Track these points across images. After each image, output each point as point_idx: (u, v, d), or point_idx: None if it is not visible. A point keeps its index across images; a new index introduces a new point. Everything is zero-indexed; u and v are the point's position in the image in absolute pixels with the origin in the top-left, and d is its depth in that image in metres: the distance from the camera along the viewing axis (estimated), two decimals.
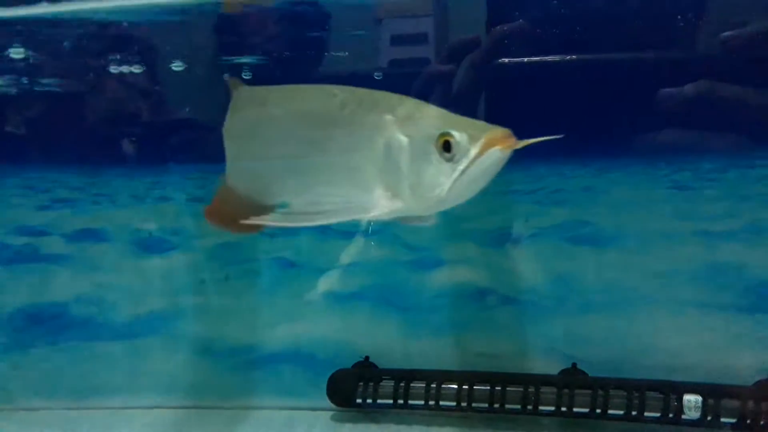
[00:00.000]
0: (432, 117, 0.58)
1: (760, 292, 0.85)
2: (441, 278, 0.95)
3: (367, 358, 0.92)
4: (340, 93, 0.61)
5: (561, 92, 0.85)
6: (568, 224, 0.90)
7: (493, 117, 0.58)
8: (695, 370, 0.85)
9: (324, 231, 0.95)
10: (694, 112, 0.82)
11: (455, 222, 0.93)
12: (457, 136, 0.54)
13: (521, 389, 0.84)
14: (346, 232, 0.96)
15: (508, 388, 0.84)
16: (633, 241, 0.88)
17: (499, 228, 0.93)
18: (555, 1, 0.83)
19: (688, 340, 0.87)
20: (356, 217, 0.60)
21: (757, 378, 0.81)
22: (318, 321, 0.96)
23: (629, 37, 0.83)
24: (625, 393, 0.81)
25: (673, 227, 0.87)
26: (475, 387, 0.85)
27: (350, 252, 0.94)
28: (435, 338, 0.94)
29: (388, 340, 0.94)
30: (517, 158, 0.90)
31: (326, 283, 0.95)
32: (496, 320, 0.93)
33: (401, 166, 0.57)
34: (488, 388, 0.84)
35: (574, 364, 0.87)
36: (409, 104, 0.59)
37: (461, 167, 0.54)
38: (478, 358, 0.93)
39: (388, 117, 0.58)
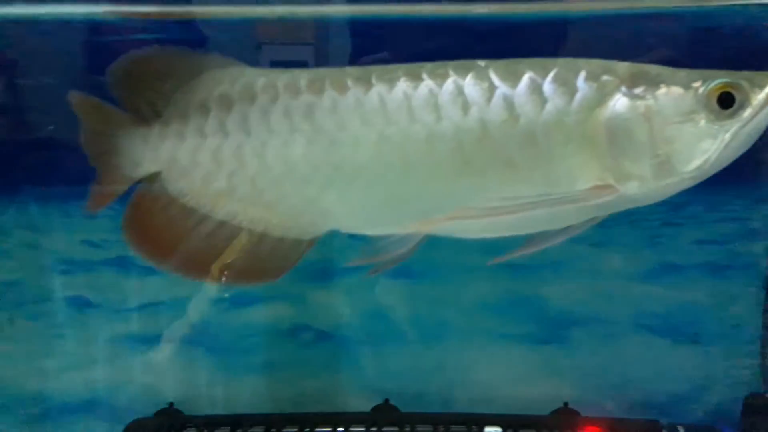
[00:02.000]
0: (672, 72, 0.48)
1: (557, 324, 0.89)
2: (255, 315, 0.91)
3: (171, 404, 0.86)
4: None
5: None
6: None
7: None
8: (499, 402, 0.88)
9: (126, 266, 0.88)
10: None
11: None
12: (744, 84, 0.45)
13: (330, 429, 0.82)
14: (152, 268, 0.90)
15: (317, 429, 0.82)
16: (443, 274, 0.90)
17: (316, 262, 0.91)
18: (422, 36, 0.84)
19: (493, 372, 0.90)
20: (562, 207, 0.50)
21: (554, 407, 0.85)
22: (118, 365, 0.89)
23: None
24: (431, 428, 0.82)
25: (481, 261, 0.90)
26: (284, 430, 0.82)
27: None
28: (247, 380, 0.90)
29: (196, 384, 0.89)
30: None
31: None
32: (311, 358, 0.91)
33: (639, 139, 0.47)
34: (296, 430, 0.82)
35: (386, 400, 0.87)
36: (610, 63, 0.49)
37: (738, 124, 0.45)
38: (292, 398, 0.90)
39: (607, 78, 0.49)
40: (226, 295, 0.89)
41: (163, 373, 0.89)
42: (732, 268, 0.85)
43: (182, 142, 0.56)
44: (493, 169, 0.50)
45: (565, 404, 0.85)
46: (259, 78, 0.55)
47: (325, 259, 0.90)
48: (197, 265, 0.58)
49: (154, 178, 0.58)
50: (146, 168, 0.57)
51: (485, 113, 0.49)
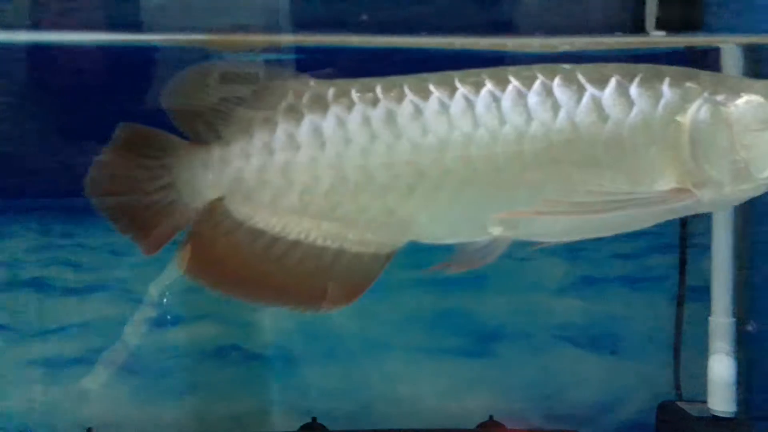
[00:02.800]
0: (750, 83, 0.50)
1: (483, 338, 0.91)
2: (180, 336, 0.89)
3: (89, 430, 0.83)
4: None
5: None
6: None
7: None
8: (427, 416, 0.89)
9: (45, 289, 0.85)
10: None
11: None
12: None
13: None
14: (72, 289, 0.87)
15: None
16: (371, 290, 0.90)
17: None
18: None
19: (421, 386, 0.90)
20: (644, 209, 0.50)
21: (480, 420, 0.86)
22: (33, 389, 0.85)
23: None
24: None
25: (406, 277, 0.90)
26: None
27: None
28: (172, 403, 0.88)
29: (116, 409, 0.86)
30: None
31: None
32: (238, 378, 0.90)
33: (720, 144, 0.48)
34: None
35: (314, 419, 0.86)
36: (691, 70, 0.50)
37: None
38: (219, 420, 0.88)
39: (691, 85, 0.49)
40: (154, 315, 0.87)
41: (82, 398, 0.86)
42: (646, 281, 0.89)
43: (247, 162, 0.52)
44: (580, 170, 0.50)
45: (491, 417, 0.87)
46: (329, 88, 0.52)
47: None
48: (270, 291, 0.54)
49: (215, 204, 0.53)
50: (208, 195, 0.52)
51: (574, 114, 0.50)
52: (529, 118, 0.50)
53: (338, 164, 0.50)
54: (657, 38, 0.83)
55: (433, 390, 0.91)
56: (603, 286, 0.89)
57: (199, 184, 0.51)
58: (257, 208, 0.52)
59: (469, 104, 0.50)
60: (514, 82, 0.51)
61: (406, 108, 0.50)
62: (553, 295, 0.90)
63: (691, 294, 0.87)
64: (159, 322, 0.88)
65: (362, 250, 0.53)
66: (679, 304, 0.87)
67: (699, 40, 0.84)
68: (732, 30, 0.82)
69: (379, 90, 0.50)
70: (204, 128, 0.52)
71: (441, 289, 0.90)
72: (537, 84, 0.50)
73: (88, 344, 0.85)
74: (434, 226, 0.53)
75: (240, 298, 0.55)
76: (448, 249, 0.57)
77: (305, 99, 0.51)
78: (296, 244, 0.52)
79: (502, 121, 0.50)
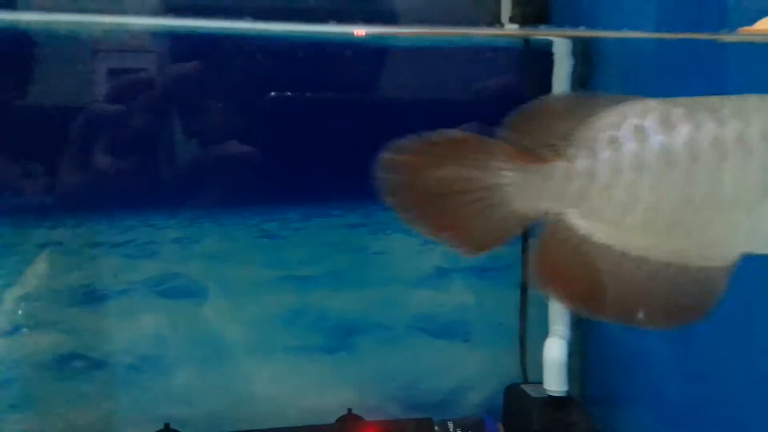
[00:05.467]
0: None
1: (340, 333, 0.91)
2: (16, 346, 0.82)
3: None
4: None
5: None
6: (160, 278, 0.87)
7: None
8: (287, 414, 0.88)
9: None
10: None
11: (29, 281, 0.82)
12: None
13: None
14: None
15: None
16: (225, 291, 0.88)
17: (83, 285, 0.85)
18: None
19: (279, 385, 0.90)
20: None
21: (339, 415, 0.87)
22: None
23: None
24: None
25: (263, 275, 0.89)
26: None
27: None
28: (9, 416, 0.81)
29: None
30: (103, 207, 0.86)
31: None
32: (84, 388, 0.85)
33: None
34: None
35: (166, 425, 0.83)
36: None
37: None
38: None
39: None
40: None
41: None
42: (493, 270, 0.93)
43: (593, 179, 0.51)
44: None
45: (349, 411, 0.87)
46: (675, 108, 0.51)
47: (94, 281, 0.84)
48: (623, 309, 0.52)
49: (558, 217, 0.52)
50: (547, 207, 0.51)
51: None
52: None
53: (686, 182, 0.50)
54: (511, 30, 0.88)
55: (291, 388, 0.90)
56: (454, 276, 0.93)
57: (538, 195, 0.51)
58: (599, 224, 0.52)
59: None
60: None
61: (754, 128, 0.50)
62: (408, 287, 0.92)
63: None
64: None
65: (705, 264, 0.52)
66: (523, 291, 0.92)
67: (553, 33, 0.89)
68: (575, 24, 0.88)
69: (725, 111, 0.50)
70: (544, 150, 0.52)
71: (297, 286, 0.90)
72: None
73: None
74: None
75: (594, 316, 0.53)
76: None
77: (649, 119, 0.50)
78: (642, 260, 0.52)
79: None
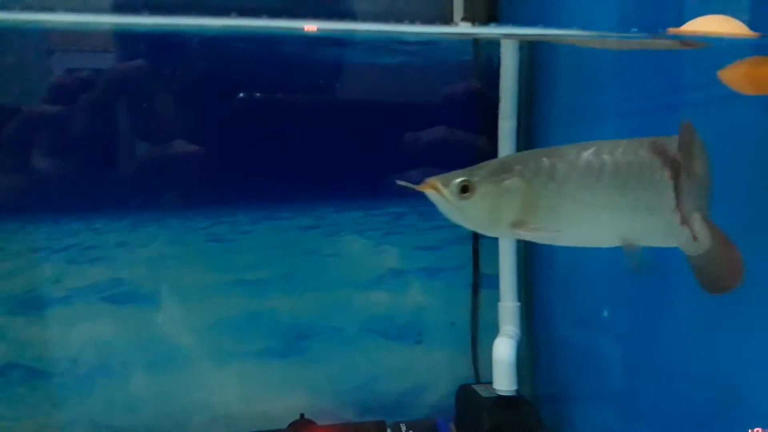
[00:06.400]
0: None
1: (291, 337, 0.90)
2: None
3: None
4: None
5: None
6: (104, 283, 0.84)
7: None
8: (239, 420, 0.87)
9: None
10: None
11: None
12: None
13: None
14: None
15: None
16: (173, 296, 0.86)
17: (24, 292, 0.82)
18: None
19: (232, 391, 0.88)
20: None
21: (292, 419, 0.86)
22: None
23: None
24: None
25: (212, 279, 0.87)
26: None
27: None
28: None
29: None
30: (44, 211, 0.83)
31: None
32: (23, 399, 0.82)
33: None
34: None
35: None
36: None
37: None
38: None
39: None
40: None
41: None
42: (445, 271, 0.93)
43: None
44: None
45: (302, 415, 0.86)
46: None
47: (33, 288, 0.81)
48: None
49: None
50: None
51: None
52: None
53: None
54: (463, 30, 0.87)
55: (243, 394, 0.88)
56: (407, 277, 0.92)
57: None
58: None
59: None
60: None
61: None
62: (360, 289, 0.91)
63: (485, 281, 0.93)
64: None
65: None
66: (474, 291, 0.93)
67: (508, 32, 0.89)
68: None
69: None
70: None
71: (249, 291, 0.88)
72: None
73: None
74: None
75: None
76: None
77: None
78: None
79: None
